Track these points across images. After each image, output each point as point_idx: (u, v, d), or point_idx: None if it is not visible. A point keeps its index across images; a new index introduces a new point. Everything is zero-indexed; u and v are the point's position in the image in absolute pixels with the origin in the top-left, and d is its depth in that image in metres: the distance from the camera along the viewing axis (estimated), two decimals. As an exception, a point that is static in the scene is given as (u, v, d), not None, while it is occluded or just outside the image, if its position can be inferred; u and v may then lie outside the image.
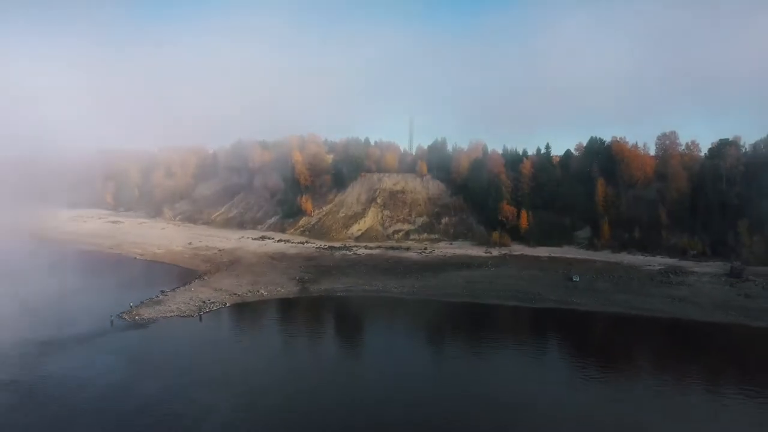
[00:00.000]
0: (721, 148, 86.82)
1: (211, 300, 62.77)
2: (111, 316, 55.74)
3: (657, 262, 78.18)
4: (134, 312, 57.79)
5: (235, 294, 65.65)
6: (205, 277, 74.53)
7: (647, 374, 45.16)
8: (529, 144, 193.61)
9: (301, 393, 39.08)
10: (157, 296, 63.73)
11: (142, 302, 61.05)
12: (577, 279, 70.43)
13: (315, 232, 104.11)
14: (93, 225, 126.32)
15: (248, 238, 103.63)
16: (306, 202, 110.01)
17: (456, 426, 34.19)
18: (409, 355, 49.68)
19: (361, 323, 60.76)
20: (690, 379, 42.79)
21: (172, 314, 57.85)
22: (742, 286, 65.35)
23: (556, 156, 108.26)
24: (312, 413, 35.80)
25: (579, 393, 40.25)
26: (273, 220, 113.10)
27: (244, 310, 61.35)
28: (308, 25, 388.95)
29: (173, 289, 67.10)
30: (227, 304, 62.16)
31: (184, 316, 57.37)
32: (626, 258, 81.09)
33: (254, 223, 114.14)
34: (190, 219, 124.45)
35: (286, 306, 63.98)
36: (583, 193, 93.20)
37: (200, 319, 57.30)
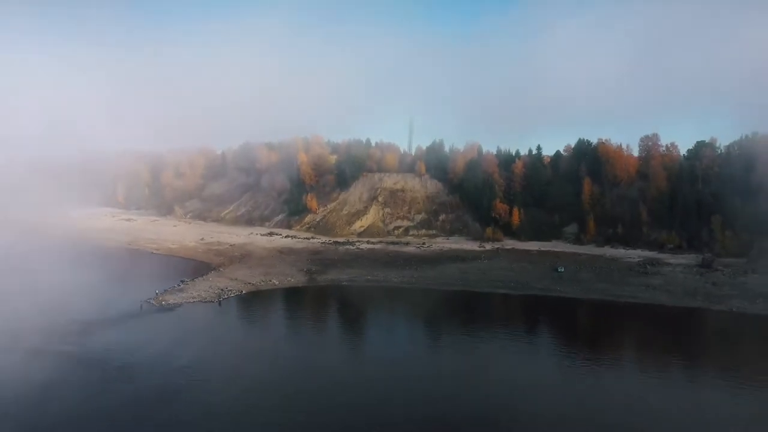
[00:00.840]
0: (698, 150, 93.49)
1: (228, 288, 69.18)
2: (140, 301, 62.10)
3: (637, 254, 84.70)
4: (160, 298, 64.09)
5: (250, 283, 72.03)
6: (220, 269, 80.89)
7: (616, 347, 52.03)
8: (522, 145, 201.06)
9: (311, 370, 45.59)
10: (178, 285, 70.09)
11: (165, 290, 67.34)
12: (563, 270, 76.93)
13: (320, 228, 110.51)
14: (107, 223, 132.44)
15: (257, 234, 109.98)
16: (311, 201, 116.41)
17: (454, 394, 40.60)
18: (407, 336, 56.33)
19: (364, 309, 67.15)
20: (649, 351, 49.58)
21: (194, 300, 64.21)
22: (711, 275, 71.92)
23: (546, 156, 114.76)
24: (324, 380, 42.30)
25: (555, 362, 46.75)
26: (280, 217, 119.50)
27: (258, 297, 67.67)
28: (309, 26, 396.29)
29: (192, 279, 73.42)
30: (243, 292, 68.55)
31: (206, 302, 63.74)
32: (609, 251, 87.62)
33: (262, 221, 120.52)
34: (200, 217, 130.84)
35: (296, 294, 70.34)
36: (571, 192, 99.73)
37: (219, 304, 63.62)
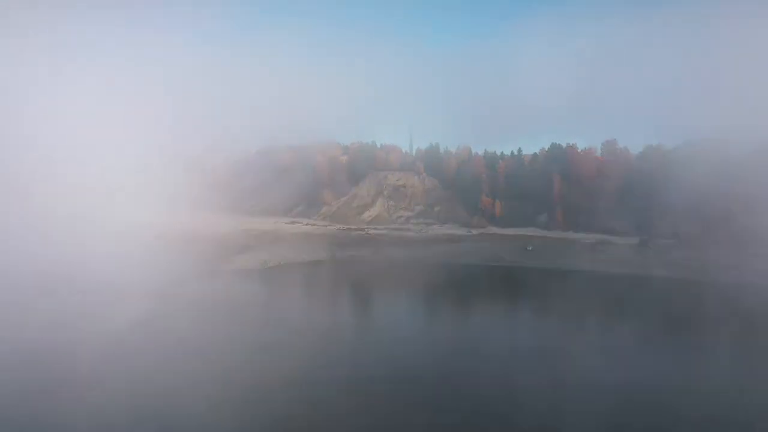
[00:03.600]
0: (647, 153, 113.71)
1: (269, 260, 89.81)
2: (209, 268, 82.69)
3: (593, 237, 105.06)
4: (221, 266, 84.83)
5: (285, 256, 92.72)
6: (257, 247, 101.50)
7: (556, 297, 72.69)
8: (506, 147, 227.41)
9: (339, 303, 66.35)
10: (230, 258, 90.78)
11: (220, 261, 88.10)
12: (531, 248, 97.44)
13: (335, 218, 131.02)
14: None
15: (282, 222, 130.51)
16: (327, 195, 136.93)
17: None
18: (406, 290, 77.02)
19: (377, 274, 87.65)
20: (577, 300, 70.23)
21: (246, 267, 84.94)
22: (644, 251, 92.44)
23: (526, 156, 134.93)
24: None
25: (510, 306, 67.37)
26: (300, 209, 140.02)
27: (294, 266, 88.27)
28: (322, 41, 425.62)
29: (239, 254, 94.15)
30: (281, 263, 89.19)
31: (256, 269, 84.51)
32: (571, 235, 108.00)
33: (284, 212, 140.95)
34: (229, 209, 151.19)
35: (322, 264, 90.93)
36: (545, 187, 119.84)
37: (266, 270, 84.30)
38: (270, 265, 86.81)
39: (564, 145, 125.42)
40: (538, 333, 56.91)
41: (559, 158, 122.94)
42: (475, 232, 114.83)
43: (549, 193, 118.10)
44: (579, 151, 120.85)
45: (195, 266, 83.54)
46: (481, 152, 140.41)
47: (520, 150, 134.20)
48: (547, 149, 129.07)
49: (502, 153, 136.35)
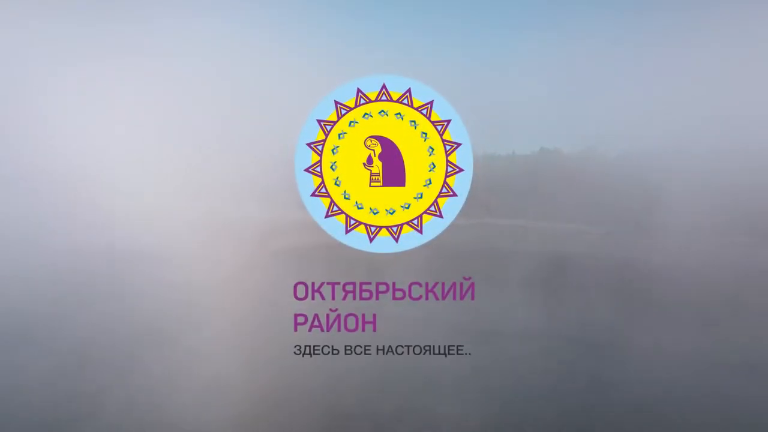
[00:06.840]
0: (621, 157, 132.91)
1: (302, 241, 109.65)
2: (256, 249, 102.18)
3: (571, 227, 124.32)
4: (266, 246, 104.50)
5: (315, 239, 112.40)
6: (288, 233, 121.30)
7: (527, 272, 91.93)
8: (503, 148, 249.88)
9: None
10: (270, 240, 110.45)
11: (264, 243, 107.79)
12: (519, 235, 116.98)
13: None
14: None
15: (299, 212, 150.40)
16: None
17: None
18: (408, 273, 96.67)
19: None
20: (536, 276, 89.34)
21: (289, 247, 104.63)
22: (608, 239, 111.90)
23: (520, 157, 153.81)
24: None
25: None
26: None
27: (322, 247, 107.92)
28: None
29: (276, 237, 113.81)
30: (312, 244, 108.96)
31: (298, 249, 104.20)
32: (556, 225, 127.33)
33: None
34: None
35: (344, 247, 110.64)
36: (535, 185, 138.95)
37: (305, 251, 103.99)
38: (305, 246, 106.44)
39: (552, 148, 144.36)
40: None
41: (548, 160, 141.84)
42: (473, 222, 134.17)
43: (539, 191, 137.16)
44: (565, 153, 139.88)
45: (242, 247, 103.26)
46: (480, 153, 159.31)
47: (514, 152, 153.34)
48: (537, 151, 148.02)
49: (498, 154, 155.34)
